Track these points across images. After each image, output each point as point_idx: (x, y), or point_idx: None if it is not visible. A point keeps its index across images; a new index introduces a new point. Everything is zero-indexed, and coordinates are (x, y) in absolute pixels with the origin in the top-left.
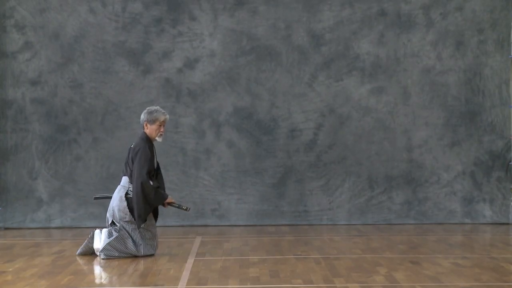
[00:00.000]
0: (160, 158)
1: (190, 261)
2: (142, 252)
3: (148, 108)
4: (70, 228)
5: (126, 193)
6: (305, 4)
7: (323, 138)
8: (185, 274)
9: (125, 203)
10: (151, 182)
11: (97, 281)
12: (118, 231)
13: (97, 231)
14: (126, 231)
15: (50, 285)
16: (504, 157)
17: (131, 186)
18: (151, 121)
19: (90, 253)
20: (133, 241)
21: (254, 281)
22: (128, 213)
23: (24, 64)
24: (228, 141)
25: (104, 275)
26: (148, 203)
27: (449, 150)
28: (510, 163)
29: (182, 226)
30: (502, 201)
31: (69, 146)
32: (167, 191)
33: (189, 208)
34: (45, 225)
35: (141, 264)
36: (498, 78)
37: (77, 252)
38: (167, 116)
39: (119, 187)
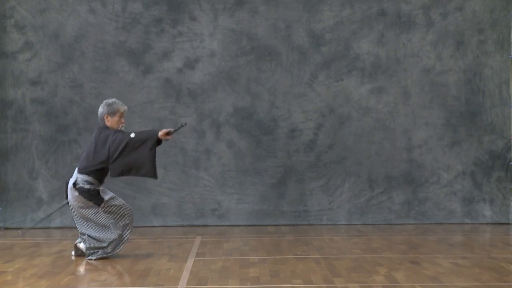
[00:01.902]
0: (160, 158)
1: (190, 261)
2: (116, 232)
3: (105, 101)
4: (70, 228)
5: (75, 183)
6: (305, 4)
7: (323, 138)
8: (185, 274)
9: (76, 193)
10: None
11: (97, 281)
12: (82, 235)
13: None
14: (88, 218)
15: (50, 285)
16: (504, 157)
17: (79, 176)
18: (112, 113)
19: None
20: (100, 228)
21: (254, 281)
22: (83, 200)
23: (24, 64)
24: (228, 141)
25: (104, 275)
26: (151, 149)
27: (449, 150)
28: (510, 163)
29: (182, 226)
30: (502, 201)
31: (69, 146)
32: (167, 191)
33: (185, 123)
34: (45, 225)
35: (141, 264)
36: (498, 78)
37: (73, 253)
38: (126, 107)
39: (70, 180)
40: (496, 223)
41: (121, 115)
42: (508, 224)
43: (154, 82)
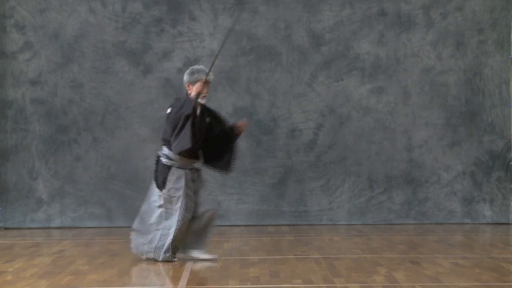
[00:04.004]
0: None
1: (190, 261)
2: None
3: (191, 67)
4: (70, 228)
5: (158, 156)
6: (305, 4)
7: (323, 138)
8: (185, 274)
9: (155, 166)
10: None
11: (97, 281)
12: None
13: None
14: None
15: (50, 285)
16: (504, 157)
17: (165, 150)
18: (193, 82)
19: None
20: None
21: (254, 281)
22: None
23: (24, 64)
24: None
25: (104, 275)
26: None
27: (449, 150)
28: (510, 163)
29: None
30: (502, 201)
31: (69, 146)
32: None
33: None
34: (45, 225)
35: (141, 264)
36: (498, 78)
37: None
38: (212, 76)
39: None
40: (496, 223)
41: (203, 85)
42: (508, 224)
43: (154, 82)
